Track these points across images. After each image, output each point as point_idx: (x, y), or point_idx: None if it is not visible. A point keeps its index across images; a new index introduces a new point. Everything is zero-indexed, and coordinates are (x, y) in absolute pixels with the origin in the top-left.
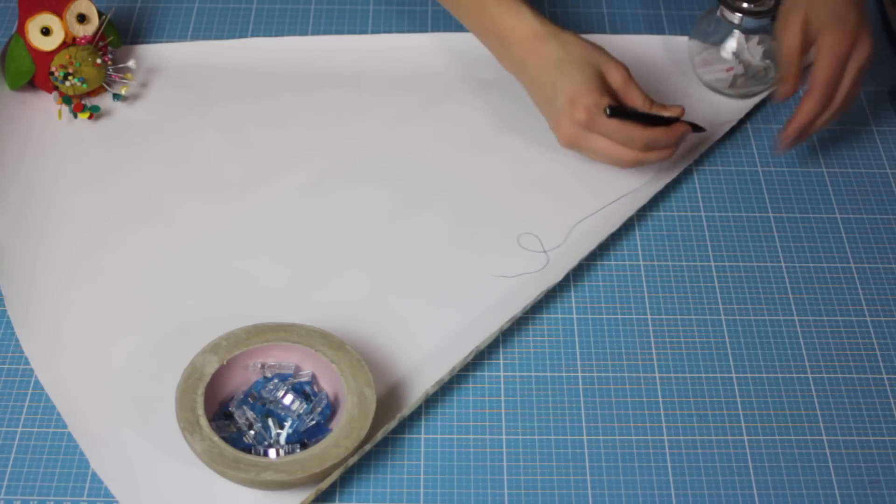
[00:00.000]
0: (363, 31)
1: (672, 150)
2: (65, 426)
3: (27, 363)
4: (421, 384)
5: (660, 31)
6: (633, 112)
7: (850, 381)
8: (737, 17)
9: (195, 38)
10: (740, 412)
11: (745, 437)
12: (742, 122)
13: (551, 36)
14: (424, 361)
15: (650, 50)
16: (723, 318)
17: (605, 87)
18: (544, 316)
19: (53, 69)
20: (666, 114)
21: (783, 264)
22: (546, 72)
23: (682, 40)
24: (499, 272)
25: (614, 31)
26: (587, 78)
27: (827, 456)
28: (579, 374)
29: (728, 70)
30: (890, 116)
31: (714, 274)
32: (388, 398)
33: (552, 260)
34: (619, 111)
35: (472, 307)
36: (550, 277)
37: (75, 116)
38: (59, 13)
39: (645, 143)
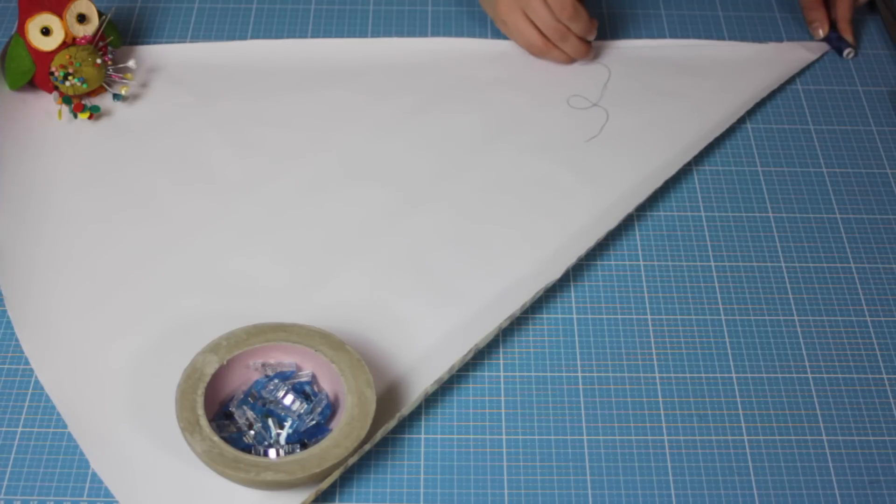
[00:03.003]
0: (363, 32)
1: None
2: (65, 426)
3: (27, 363)
4: (420, 383)
5: (660, 32)
6: None
7: (850, 381)
8: None
9: (195, 38)
10: (740, 412)
11: (745, 437)
12: (742, 121)
13: None
14: (423, 360)
15: (650, 49)
16: (723, 318)
17: None
18: (544, 316)
19: (53, 69)
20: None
21: (783, 264)
22: None
23: (688, 41)
24: (499, 272)
25: (614, 32)
26: None
27: (827, 456)
28: (579, 374)
29: None
30: (890, 116)
31: (714, 274)
32: (388, 397)
33: (550, 258)
34: None
35: (470, 305)
36: (549, 275)
37: (75, 116)
38: (59, 13)
39: (576, 11)
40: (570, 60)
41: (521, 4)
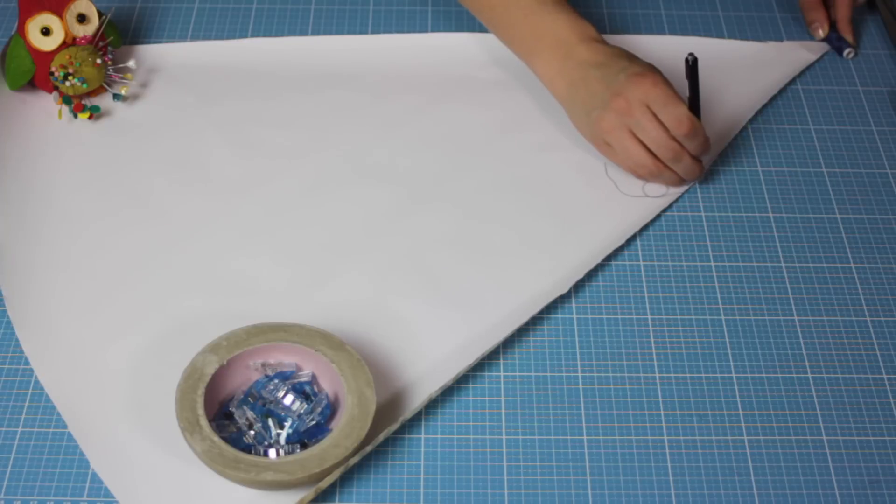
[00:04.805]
0: (363, 31)
1: (695, 169)
2: (65, 426)
3: (27, 363)
4: (424, 393)
5: (660, 31)
6: (696, 88)
7: (850, 381)
8: None
9: (195, 38)
10: (740, 412)
11: (745, 437)
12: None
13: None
14: (430, 372)
15: (654, 50)
16: (723, 318)
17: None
18: (544, 316)
19: (53, 69)
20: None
21: (783, 264)
22: (615, 57)
23: (688, 40)
24: (499, 271)
25: (614, 32)
26: (653, 66)
27: (827, 456)
28: (579, 374)
29: None
30: (890, 116)
31: (714, 274)
32: (391, 405)
33: (568, 276)
34: (695, 69)
35: (474, 313)
36: (559, 288)
37: (75, 116)
38: (59, 13)
39: (694, 128)
40: (681, 182)
41: (628, 123)
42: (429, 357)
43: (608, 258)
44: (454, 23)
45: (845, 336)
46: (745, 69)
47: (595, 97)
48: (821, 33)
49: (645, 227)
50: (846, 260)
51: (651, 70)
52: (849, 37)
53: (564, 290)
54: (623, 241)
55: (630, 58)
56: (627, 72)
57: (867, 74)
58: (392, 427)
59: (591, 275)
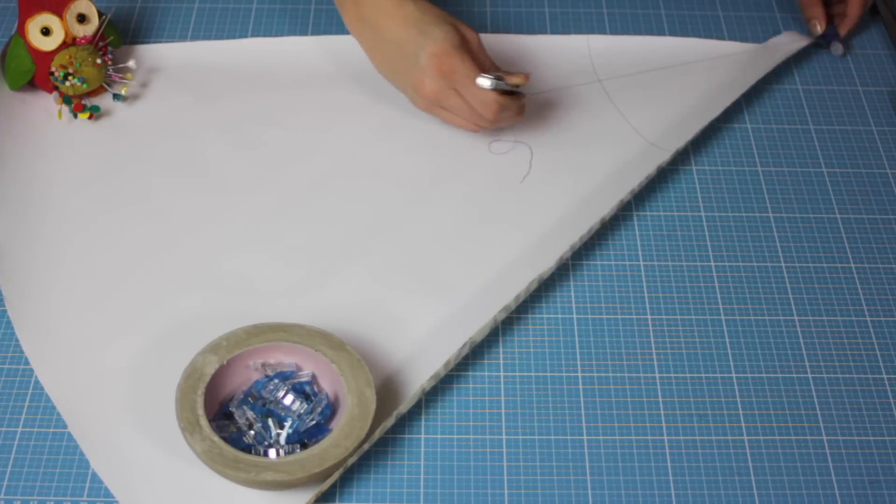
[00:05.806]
0: None
1: (519, 115)
2: (65, 426)
3: (27, 363)
4: (416, 377)
5: (660, 32)
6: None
7: (850, 381)
8: None
9: (195, 38)
10: (740, 412)
11: (745, 437)
12: (742, 121)
13: None
14: (419, 354)
15: (654, 50)
16: (723, 318)
17: (465, 45)
18: (544, 316)
19: (53, 69)
20: (515, 80)
21: (783, 264)
22: (407, 31)
23: (688, 40)
24: (498, 270)
25: (614, 32)
26: (449, 34)
27: (827, 456)
28: (579, 374)
29: None
30: (890, 116)
31: (714, 274)
32: (384, 392)
33: (542, 246)
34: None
35: (465, 298)
36: (541, 265)
37: (75, 116)
38: (59, 13)
39: (501, 108)
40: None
41: (440, 104)
42: (418, 338)
43: (608, 257)
44: None
45: (845, 336)
46: (745, 69)
47: (401, 74)
48: (819, 30)
49: (645, 227)
50: (846, 260)
51: (450, 45)
52: (842, 32)
53: (549, 263)
54: (605, 212)
55: (419, 27)
56: (426, 51)
57: (867, 74)
58: (388, 423)
59: (591, 274)
